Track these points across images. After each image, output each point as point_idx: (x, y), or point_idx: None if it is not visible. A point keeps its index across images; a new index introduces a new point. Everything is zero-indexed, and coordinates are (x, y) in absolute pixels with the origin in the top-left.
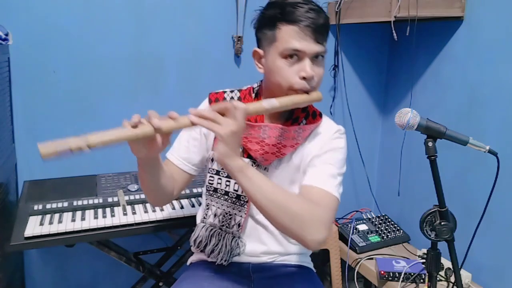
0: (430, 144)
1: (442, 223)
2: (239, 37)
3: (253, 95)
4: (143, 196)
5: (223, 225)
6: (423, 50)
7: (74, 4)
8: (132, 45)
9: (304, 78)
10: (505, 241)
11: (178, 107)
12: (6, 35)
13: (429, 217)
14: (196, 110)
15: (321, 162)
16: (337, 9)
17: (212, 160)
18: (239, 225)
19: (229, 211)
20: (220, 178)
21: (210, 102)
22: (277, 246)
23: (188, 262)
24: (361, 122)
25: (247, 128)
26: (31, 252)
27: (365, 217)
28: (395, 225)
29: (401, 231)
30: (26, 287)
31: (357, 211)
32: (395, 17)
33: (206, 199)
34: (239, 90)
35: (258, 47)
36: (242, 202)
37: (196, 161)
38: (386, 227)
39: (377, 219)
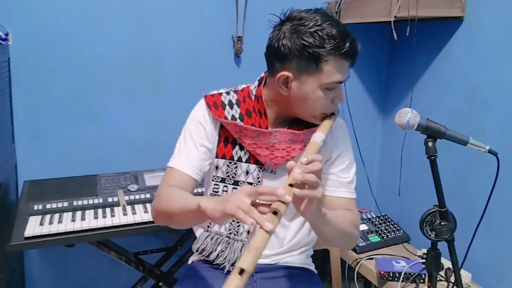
0: (430, 144)
1: (442, 223)
2: (239, 37)
3: (253, 97)
4: (143, 196)
5: (230, 233)
6: (423, 50)
7: (74, 4)
8: (132, 45)
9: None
10: (504, 241)
11: (178, 107)
12: (6, 35)
13: (429, 217)
14: (300, 176)
15: (339, 169)
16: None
17: (217, 167)
18: (248, 232)
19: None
20: (226, 186)
21: (209, 107)
22: (280, 247)
23: (190, 261)
24: (361, 122)
25: (257, 135)
26: (31, 252)
27: (365, 217)
28: (395, 225)
29: (401, 231)
30: (26, 287)
31: None
32: (395, 17)
33: None
34: (235, 91)
35: (280, 68)
36: None
37: (206, 169)
38: (386, 227)
39: (377, 219)
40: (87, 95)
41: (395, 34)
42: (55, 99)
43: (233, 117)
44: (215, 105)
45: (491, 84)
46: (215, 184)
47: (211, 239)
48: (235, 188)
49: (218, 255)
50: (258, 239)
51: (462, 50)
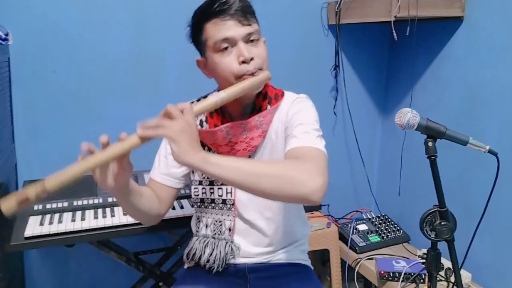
0: (430, 144)
1: (442, 223)
2: None
3: None
4: None
5: (215, 234)
6: (423, 50)
7: (74, 4)
8: (132, 44)
9: (243, 62)
10: (505, 241)
11: None
12: (6, 35)
13: (429, 217)
14: (141, 122)
15: (291, 128)
16: (337, 9)
17: (193, 172)
18: (229, 229)
19: (219, 218)
20: (204, 188)
21: None
22: (269, 244)
23: (186, 266)
24: (361, 122)
25: (212, 135)
26: (31, 252)
27: (365, 217)
28: (395, 225)
29: (401, 231)
30: (26, 287)
31: (357, 211)
32: (395, 17)
33: (196, 212)
34: (205, 96)
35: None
36: (228, 206)
37: (178, 175)
38: (386, 227)
39: (377, 219)
40: (87, 95)
41: (395, 34)
42: (55, 99)
43: (201, 122)
44: None
45: (491, 84)
46: (194, 188)
47: (199, 242)
48: (212, 188)
49: (208, 259)
50: (70, 167)
51: (462, 50)
